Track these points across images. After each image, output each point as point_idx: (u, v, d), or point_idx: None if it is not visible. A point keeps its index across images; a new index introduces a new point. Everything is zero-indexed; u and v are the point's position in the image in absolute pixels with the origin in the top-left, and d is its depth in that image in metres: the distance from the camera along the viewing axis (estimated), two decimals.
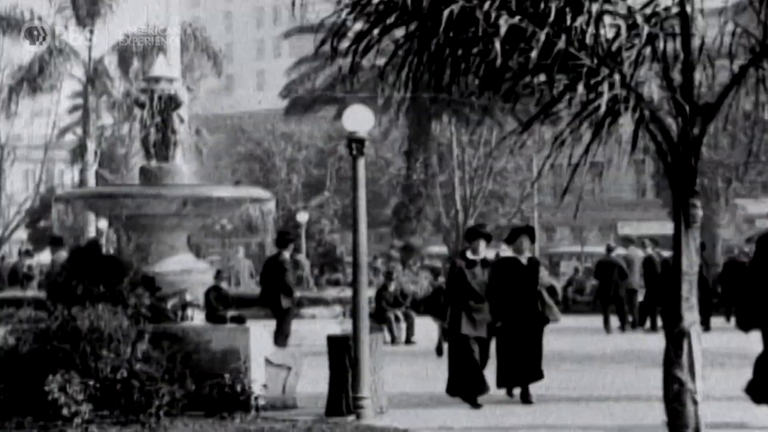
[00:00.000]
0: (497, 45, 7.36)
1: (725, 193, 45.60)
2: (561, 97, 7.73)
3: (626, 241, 29.96)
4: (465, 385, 12.92)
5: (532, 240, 13.75)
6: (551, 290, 13.40)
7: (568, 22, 7.55)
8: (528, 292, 13.24)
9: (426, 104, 34.26)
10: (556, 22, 7.49)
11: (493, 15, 7.41)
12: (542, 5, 7.54)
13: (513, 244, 13.58)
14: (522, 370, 13.00)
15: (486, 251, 13.71)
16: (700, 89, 7.94)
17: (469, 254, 13.44)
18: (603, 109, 7.56)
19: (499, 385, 13.22)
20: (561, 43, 7.50)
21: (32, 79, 39.39)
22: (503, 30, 7.38)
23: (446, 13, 7.39)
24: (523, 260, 13.45)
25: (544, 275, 13.84)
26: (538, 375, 13.09)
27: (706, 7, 7.94)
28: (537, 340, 13.14)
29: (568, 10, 7.53)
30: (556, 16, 7.47)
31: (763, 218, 52.62)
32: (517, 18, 7.51)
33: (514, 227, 14.31)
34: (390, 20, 7.80)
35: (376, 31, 7.82)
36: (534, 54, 7.45)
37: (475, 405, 12.73)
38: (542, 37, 7.43)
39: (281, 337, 17.47)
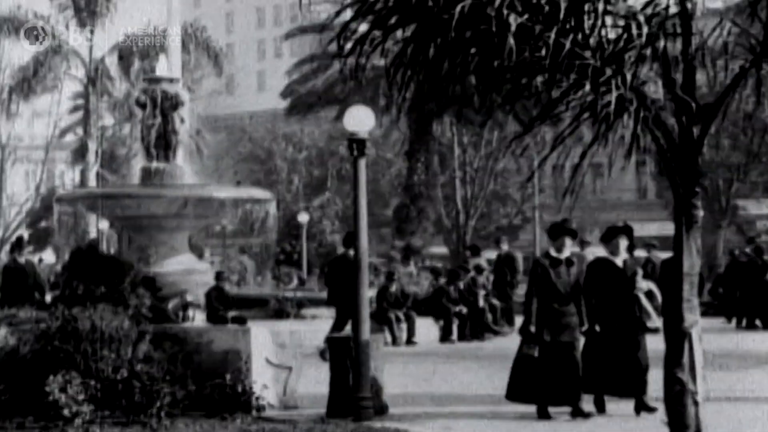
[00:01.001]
0: (511, 40, 7.32)
1: (726, 193, 45.56)
2: (564, 97, 7.72)
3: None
4: (559, 393, 11.95)
5: (631, 240, 12.51)
6: (650, 294, 12.49)
7: (573, 21, 7.54)
8: (624, 296, 12.19)
9: (427, 105, 34.19)
10: (564, 21, 7.48)
11: (505, 13, 7.40)
12: (548, 5, 7.53)
13: (609, 244, 12.46)
14: (620, 381, 12.01)
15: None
16: (700, 89, 7.94)
17: (552, 252, 12.26)
18: (612, 107, 7.56)
19: (587, 391, 12.16)
20: (567, 43, 7.48)
21: (28, 79, 39.47)
22: (513, 27, 7.36)
23: (458, 8, 7.36)
24: (619, 262, 12.36)
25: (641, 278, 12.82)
26: (641, 388, 12.00)
27: (706, 7, 7.94)
28: (635, 349, 12.07)
29: (574, 9, 7.52)
30: (565, 15, 7.45)
31: (763, 219, 52.63)
32: (524, 17, 7.49)
33: (610, 226, 12.96)
34: (392, 21, 7.80)
35: (378, 32, 7.83)
36: (544, 52, 7.44)
37: (582, 414, 11.82)
38: (552, 36, 7.41)
39: None
